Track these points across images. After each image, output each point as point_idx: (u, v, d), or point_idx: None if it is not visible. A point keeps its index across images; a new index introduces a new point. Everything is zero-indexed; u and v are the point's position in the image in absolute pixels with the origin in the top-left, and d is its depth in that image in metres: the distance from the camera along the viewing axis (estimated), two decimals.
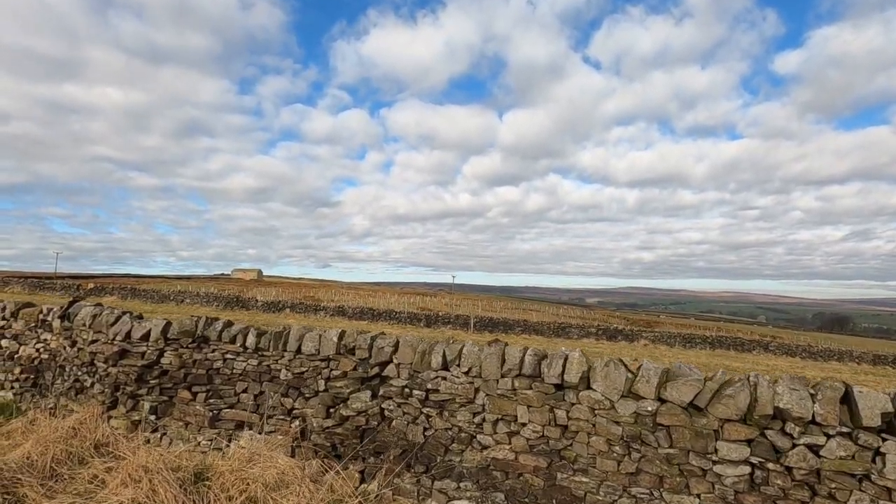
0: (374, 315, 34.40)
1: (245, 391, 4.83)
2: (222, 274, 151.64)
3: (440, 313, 34.48)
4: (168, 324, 5.20)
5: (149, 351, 5.12)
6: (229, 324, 5.13)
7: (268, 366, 4.80)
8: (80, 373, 5.52)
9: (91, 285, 38.70)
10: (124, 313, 5.59)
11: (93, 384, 5.35)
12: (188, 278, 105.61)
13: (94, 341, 5.52)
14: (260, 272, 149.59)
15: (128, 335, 5.29)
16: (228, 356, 4.94)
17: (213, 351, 5.00)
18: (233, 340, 4.97)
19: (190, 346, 5.05)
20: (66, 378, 5.72)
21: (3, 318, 6.58)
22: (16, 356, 6.27)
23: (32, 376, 6.14)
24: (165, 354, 5.10)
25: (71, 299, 6.31)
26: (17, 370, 6.17)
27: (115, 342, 5.29)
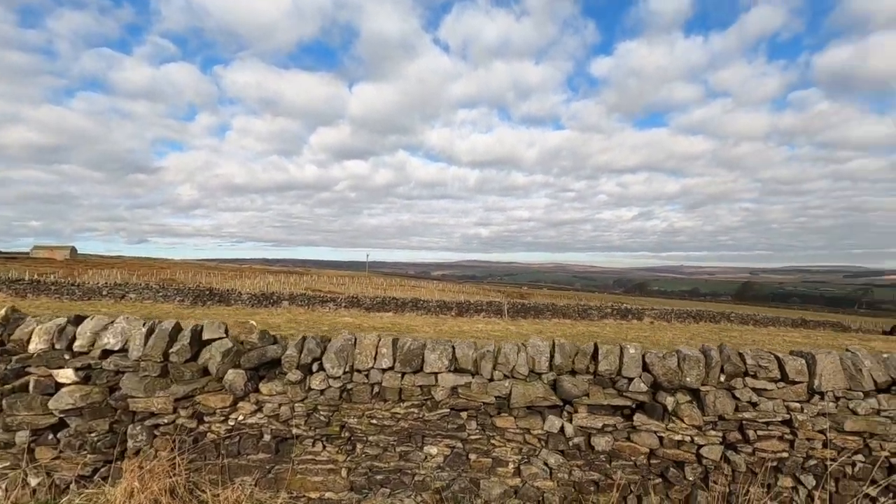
0: (397, 305, 29.65)
1: None
2: (7, 252, 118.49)
3: (471, 301, 31.28)
4: None
5: None
6: None
7: None
8: None
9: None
10: None
11: None
12: None
13: None
14: (74, 250, 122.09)
15: None
16: None
17: None
18: None
19: None
20: None
21: None
22: None
23: None
24: None
25: None
26: None
27: None
